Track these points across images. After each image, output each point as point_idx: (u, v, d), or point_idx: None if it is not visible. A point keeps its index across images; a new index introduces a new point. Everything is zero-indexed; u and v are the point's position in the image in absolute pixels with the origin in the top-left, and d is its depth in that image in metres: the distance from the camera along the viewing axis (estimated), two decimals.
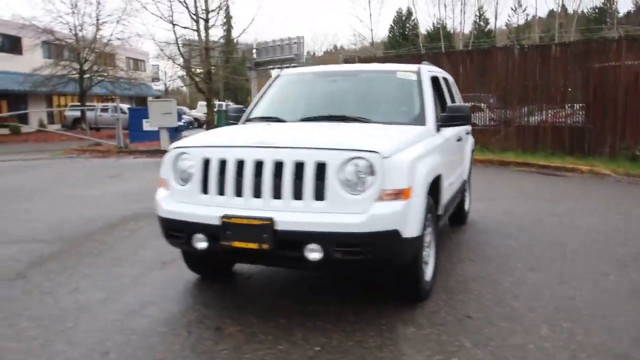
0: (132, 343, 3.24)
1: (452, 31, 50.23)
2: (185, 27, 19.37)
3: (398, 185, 3.33)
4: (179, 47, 19.69)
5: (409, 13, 51.42)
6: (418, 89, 4.60)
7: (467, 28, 51.23)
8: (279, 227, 3.26)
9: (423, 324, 3.53)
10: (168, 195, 3.76)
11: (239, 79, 31.59)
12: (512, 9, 55.45)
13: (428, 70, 4.92)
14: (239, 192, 3.47)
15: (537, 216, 6.90)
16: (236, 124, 4.96)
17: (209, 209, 3.50)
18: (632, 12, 56.18)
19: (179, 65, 21.64)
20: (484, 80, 14.60)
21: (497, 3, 67.36)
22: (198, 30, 19.09)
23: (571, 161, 12.34)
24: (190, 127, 30.03)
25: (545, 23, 50.92)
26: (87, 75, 27.70)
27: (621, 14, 56.67)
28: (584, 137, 13.25)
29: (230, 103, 39.56)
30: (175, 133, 18.02)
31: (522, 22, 54.04)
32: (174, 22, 19.07)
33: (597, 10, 55.28)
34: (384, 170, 3.29)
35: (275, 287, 4.35)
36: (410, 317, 3.65)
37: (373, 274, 4.44)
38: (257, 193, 3.43)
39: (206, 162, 3.59)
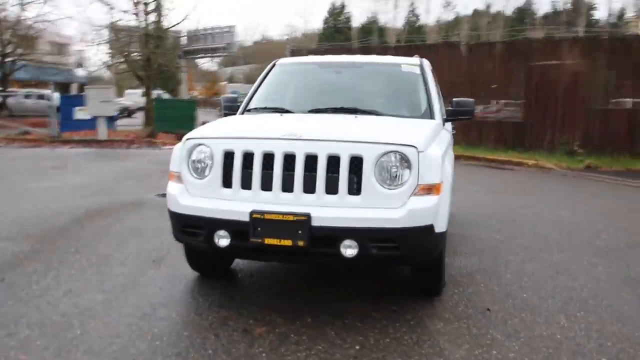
0: (160, 350, 3.02)
1: (385, 25, 50.95)
2: (125, 11, 18.46)
3: (432, 180, 3.30)
4: (115, 31, 18.71)
5: (343, 6, 51.73)
6: (423, 82, 4.59)
7: (400, 23, 52.18)
8: (315, 222, 3.14)
9: (449, 318, 3.54)
10: (182, 189, 3.53)
11: (174, 67, 30.50)
12: (442, 6, 56.72)
13: (428, 64, 4.93)
14: (267, 186, 3.31)
15: (507, 209, 7.14)
16: (232, 114, 4.76)
17: (234, 204, 3.32)
18: (550, 14, 59.35)
19: (114, 51, 20.59)
20: None
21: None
22: (137, 15, 18.25)
23: (515, 155, 12.89)
24: (122, 115, 28.74)
25: (472, 21, 52.75)
26: (10, 59, 25.78)
27: (539, 15, 59.75)
28: (525, 132, 13.87)
29: (162, 92, 38.16)
30: (110, 122, 17.19)
31: (451, 18, 55.69)
32: (111, 5, 18.14)
33: (518, 11, 57.98)
34: (420, 164, 3.25)
35: (280, 283, 4.21)
36: (432, 311, 3.65)
37: (383, 269, 4.41)
38: (288, 187, 3.28)
39: (228, 155, 3.39)
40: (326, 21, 52.29)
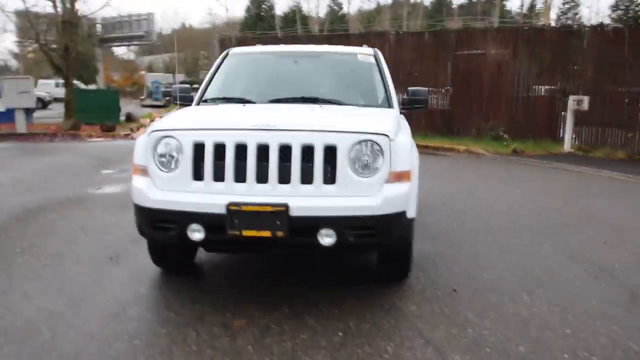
0: (140, 349, 2.93)
1: (308, 14, 51.11)
2: None
3: (403, 168, 3.38)
4: (28, 18, 17.51)
5: None
6: (379, 71, 4.68)
7: (322, 12, 52.60)
8: (293, 212, 3.14)
9: (420, 301, 3.66)
10: (149, 183, 3.41)
11: (92, 56, 29.02)
12: None
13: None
14: (240, 178, 3.27)
15: (449, 194, 7.42)
16: (187, 105, 4.64)
17: (208, 196, 3.26)
18: (465, 4, 61.61)
19: (26, 39, 19.30)
20: None
21: None
22: (53, 1, 17.18)
23: (446, 141, 13.38)
24: (37, 107, 27.10)
25: (391, 11, 53.86)
26: None
27: (455, 6, 61.95)
28: (453, 119, 14.42)
29: (78, 82, 36.23)
30: (28, 115, 16.20)
31: (372, 8, 56.63)
32: None
33: (435, 1, 59.81)
34: (392, 152, 3.32)
35: (249, 275, 4.18)
36: (402, 295, 3.76)
37: (348, 258, 4.48)
38: (262, 178, 3.26)
39: (198, 147, 3.31)
40: (248, 9, 51.68)
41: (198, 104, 4.52)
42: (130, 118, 20.32)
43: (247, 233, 3.18)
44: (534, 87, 13.51)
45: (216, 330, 3.16)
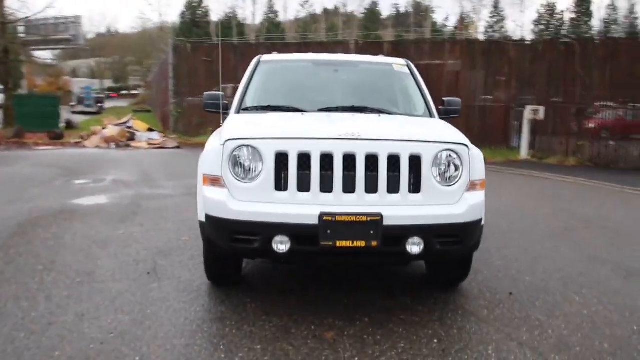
0: None
1: (244, 21, 50.71)
2: None
3: (479, 176, 3.46)
4: None
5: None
6: (414, 81, 4.75)
7: (258, 19, 52.32)
8: (387, 222, 3.14)
9: (486, 305, 3.74)
10: (227, 194, 3.29)
11: (25, 60, 27.37)
12: (300, 5, 57.79)
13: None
14: (327, 188, 3.23)
15: None
16: (213, 111, 4.53)
17: (296, 207, 3.19)
18: (393, 15, 63.32)
19: None
20: None
21: None
22: None
23: None
24: None
25: (327, 20, 54.59)
26: None
27: (385, 16, 63.56)
28: None
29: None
30: None
31: (306, 16, 57.08)
32: None
33: (366, 12, 61.17)
34: (470, 162, 3.40)
35: (297, 287, 4.09)
36: (467, 301, 3.82)
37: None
38: (349, 188, 3.23)
39: (280, 156, 3.24)
40: (183, 15, 50.55)
41: (238, 112, 4.40)
42: (70, 125, 19.38)
43: (340, 244, 3.13)
44: (489, 97, 14.12)
45: (312, 343, 3.09)
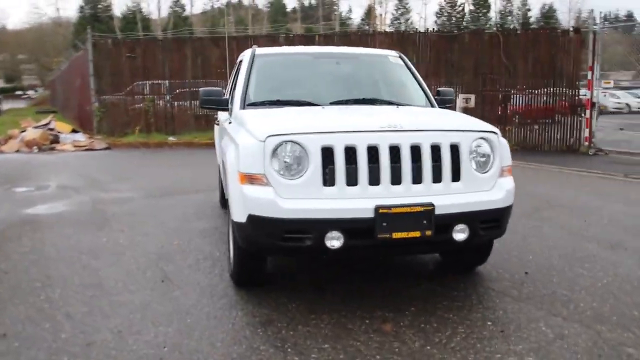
0: None
1: (149, 16, 48.80)
2: None
3: (508, 162, 3.62)
4: None
5: None
6: (410, 72, 4.84)
7: (164, 13, 50.47)
8: (438, 211, 3.19)
9: (514, 286, 3.90)
10: (273, 192, 3.19)
11: None
12: None
13: None
14: (375, 181, 3.22)
15: None
16: (216, 109, 4.40)
17: (349, 201, 3.17)
18: (298, 8, 63.34)
19: None
20: None
21: None
22: None
23: None
24: None
25: (235, 14, 53.75)
26: None
27: (289, 9, 63.68)
28: None
29: None
30: None
31: (212, 9, 55.92)
32: None
33: (270, 5, 60.86)
34: (501, 148, 3.53)
35: (315, 283, 4.05)
36: (491, 283, 3.96)
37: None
38: (396, 180, 3.25)
39: (325, 150, 3.19)
40: (82, 9, 47.77)
41: (244, 107, 4.25)
42: None
43: (397, 235, 3.15)
44: None
45: (376, 336, 3.08)
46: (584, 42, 12.66)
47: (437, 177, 3.32)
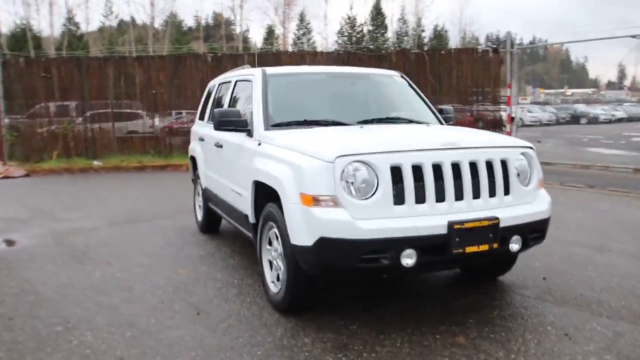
0: None
1: (40, 34, 45.62)
2: None
3: (541, 175, 3.84)
4: None
5: None
6: (415, 92, 4.99)
7: (57, 31, 47.43)
8: (502, 224, 3.32)
9: (546, 291, 4.12)
10: (346, 213, 3.15)
11: None
12: (103, 15, 53.49)
13: None
14: (440, 198, 3.30)
15: None
16: (238, 129, 4.28)
17: (421, 219, 3.21)
18: (194, 27, 62.18)
19: None
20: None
21: (87, 7, 64.29)
22: None
23: None
24: None
25: (135, 32, 51.80)
26: None
27: (185, 28, 62.40)
28: None
29: None
30: None
31: (110, 28, 53.53)
32: None
33: (166, 24, 59.28)
34: (536, 162, 3.76)
35: (361, 295, 4.03)
36: (523, 290, 4.15)
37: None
38: (458, 195, 3.35)
39: (394, 169, 3.23)
40: None
41: (267, 128, 4.16)
42: None
43: (470, 249, 3.24)
44: None
45: (459, 350, 3.12)
46: (502, 61, 13.67)
47: (492, 192, 3.45)
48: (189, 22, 61.49)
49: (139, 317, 3.75)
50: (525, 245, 3.51)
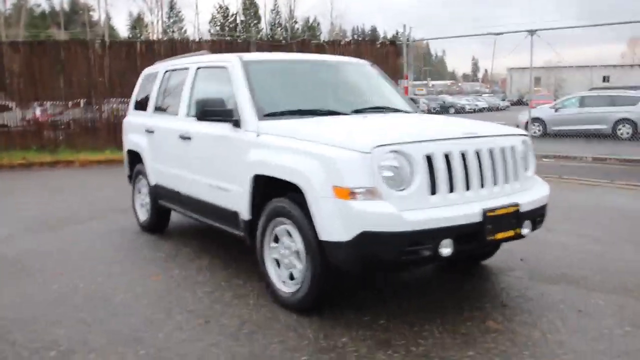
0: None
1: None
2: None
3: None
4: None
5: None
6: (386, 80, 4.99)
7: None
8: (521, 209, 3.45)
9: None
10: (389, 205, 3.06)
11: None
12: None
13: None
14: (467, 186, 3.34)
15: None
16: (223, 119, 3.99)
17: (457, 208, 3.22)
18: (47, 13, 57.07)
19: None
20: None
21: None
22: None
23: None
24: None
25: None
26: None
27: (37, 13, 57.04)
28: None
29: None
30: None
31: None
32: None
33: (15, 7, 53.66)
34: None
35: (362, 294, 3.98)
36: (512, 273, 4.36)
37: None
38: (482, 183, 3.42)
39: (427, 159, 3.20)
40: None
41: (261, 119, 3.90)
42: None
43: (499, 236, 3.32)
44: None
45: (497, 335, 3.19)
46: (399, 53, 14.19)
47: (506, 179, 3.56)
48: (44, 5, 56.08)
49: (140, 332, 3.35)
50: (533, 229, 3.66)
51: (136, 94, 6.10)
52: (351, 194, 3.06)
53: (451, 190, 3.26)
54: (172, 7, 52.50)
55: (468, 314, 3.51)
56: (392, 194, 3.09)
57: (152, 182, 5.42)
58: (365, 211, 3.03)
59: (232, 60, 4.33)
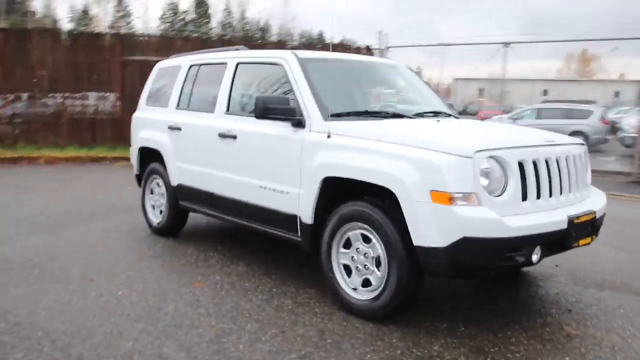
0: None
1: None
2: None
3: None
4: None
5: None
6: (424, 83, 5.00)
7: None
8: (596, 216, 3.52)
9: (569, 279, 4.44)
10: (490, 211, 3.03)
11: None
12: None
13: None
14: (550, 192, 3.37)
15: None
16: (285, 118, 3.84)
17: (546, 215, 3.24)
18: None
19: None
20: None
21: None
22: None
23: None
24: None
25: None
26: None
27: None
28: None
29: None
30: None
31: None
32: None
33: None
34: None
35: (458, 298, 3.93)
36: (556, 279, 4.44)
37: None
38: (563, 190, 3.46)
39: (520, 165, 3.22)
40: None
41: (326, 119, 3.77)
42: None
43: (582, 242, 3.37)
44: None
45: (581, 342, 3.22)
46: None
47: (581, 186, 3.64)
48: None
49: (217, 343, 3.15)
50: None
51: (149, 89, 5.80)
52: (451, 199, 3.01)
53: (538, 196, 3.27)
54: (120, 1, 50.59)
55: (540, 320, 3.53)
56: (490, 200, 3.07)
57: (175, 182, 5.15)
58: (468, 217, 2.98)
59: (287, 57, 4.17)
